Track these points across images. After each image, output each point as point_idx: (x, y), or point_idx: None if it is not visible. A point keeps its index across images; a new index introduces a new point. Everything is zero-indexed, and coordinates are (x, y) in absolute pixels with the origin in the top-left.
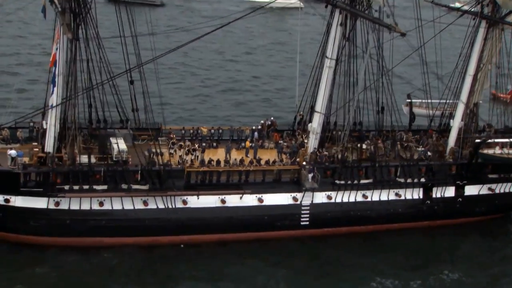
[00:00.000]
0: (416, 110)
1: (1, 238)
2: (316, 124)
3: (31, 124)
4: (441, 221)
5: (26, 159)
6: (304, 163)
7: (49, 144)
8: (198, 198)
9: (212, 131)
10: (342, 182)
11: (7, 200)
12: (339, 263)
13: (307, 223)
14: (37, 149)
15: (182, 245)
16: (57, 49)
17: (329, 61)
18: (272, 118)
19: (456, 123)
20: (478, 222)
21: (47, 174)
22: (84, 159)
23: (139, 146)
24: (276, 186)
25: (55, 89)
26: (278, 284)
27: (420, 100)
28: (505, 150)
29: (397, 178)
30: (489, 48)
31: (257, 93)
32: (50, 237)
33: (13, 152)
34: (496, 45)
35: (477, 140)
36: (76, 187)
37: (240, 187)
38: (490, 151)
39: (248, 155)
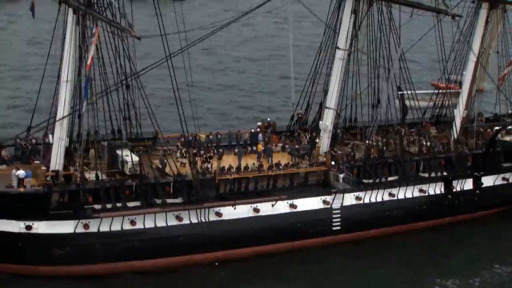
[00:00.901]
0: (408, 102)
1: (14, 272)
2: (328, 121)
3: (18, 141)
4: (462, 216)
5: (32, 180)
6: (332, 163)
7: (57, 161)
8: (234, 209)
9: (211, 137)
10: (370, 181)
11: (28, 227)
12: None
13: (339, 228)
14: (44, 168)
15: (216, 263)
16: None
17: (341, 52)
18: (268, 119)
19: (459, 113)
20: (495, 214)
21: (74, 193)
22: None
23: (143, 157)
24: (304, 190)
25: (62, 99)
26: None
27: (412, 92)
28: None
29: (420, 173)
30: (489, 31)
31: (246, 94)
32: (77, 265)
33: (21, 173)
34: (496, 29)
35: (496, 128)
36: (108, 206)
37: (270, 193)
38: (507, 138)
39: (260, 159)
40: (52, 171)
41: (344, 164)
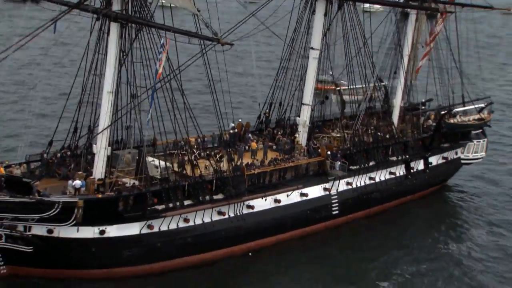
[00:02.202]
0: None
1: (87, 276)
2: (305, 116)
3: (45, 155)
4: (418, 194)
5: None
6: (329, 152)
7: (99, 169)
8: (265, 200)
9: (199, 140)
10: (357, 167)
11: (102, 232)
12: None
13: (338, 212)
14: (92, 177)
15: (250, 253)
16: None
17: (315, 52)
18: (240, 120)
19: (398, 102)
20: (437, 190)
21: (141, 196)
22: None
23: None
24: (308, 179)
25: (104, 109)
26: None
27: (346, 87)
28: (464, 118)
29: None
30: (417, 28)
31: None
32: (143, 265)
33: (77, 183)
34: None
35: (442, 112)
36: (169, 206)
37: (283, 185)
38: (452, 121)
39: (254, 157)
40: (99, 179)
41: (338, 153)
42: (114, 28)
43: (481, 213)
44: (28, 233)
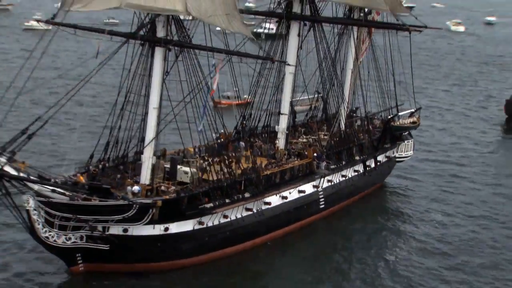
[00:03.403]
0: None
1: (153, 269)
2: (283, 125)
3: (90, 167)
4: (371, 189)
5: None
6: (315, 154)
7: (145, 177)
8: (280, 197)
9: (196, 149)
10: (334, 166)
11: (166, 229)
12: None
13: (323, 205)
14: (143, 184)
15: (268, 243)
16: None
17: (290, 67)
18: (222, 131)
19: (343, 111)
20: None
21: (194, 196)
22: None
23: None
24: (301, 178)
25: (150, 123)
26: None
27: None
28: (403, 121)
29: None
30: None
31: None
32: (197, 256)
33: (136, 188)
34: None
35: (390, 116)
36: (216, 204)
37: (286, 184)
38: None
39: (248, 162)
40: (148, 185)
41: (323, 155)
42: (159, 52)
43: (415, 205)
44: (106, 233)
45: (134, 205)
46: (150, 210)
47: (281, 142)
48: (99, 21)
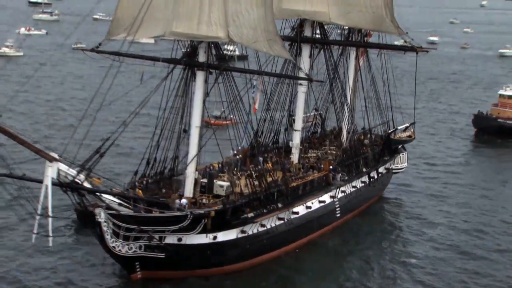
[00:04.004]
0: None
1: (203, 275)
2: (297, 140)
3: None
4: (375, 198)
5: None
6: (330, 167)
7: (190, 190)
8: (306, 207)
9: (220, 165)
10: (347, 178)
11: (214, 238)
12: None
13: (339, 214)
14: (188, 197)
15: (297, 250)
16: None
17: (303, 87)
18: (239, 147)
19: (345, 127)
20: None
21: (237, 207)
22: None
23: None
24: (319, 189)
25: (193, 140)
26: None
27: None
28: (400, 135)
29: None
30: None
31: None
32: (240, 263)
33: (184, 201)
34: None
35: (389, 131)
36: (257, 213)
37: (309, 195)
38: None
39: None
40: (192, 197)
41: (337, 167)
42: (200, 75)
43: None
44: (163, 242)
45: (189, 216)
46: (203, 220)
47: (295, 157)
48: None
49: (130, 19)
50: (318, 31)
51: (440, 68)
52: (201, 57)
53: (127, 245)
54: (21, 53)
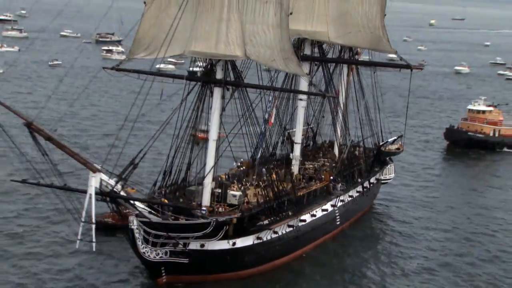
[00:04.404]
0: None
1: (222, 279)
2: (298, 152)
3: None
4: (368, 206)
5: None
6: (331, 177)
7: (207, 200)
8: (311, 216)
9: (227, 176)
10: (345, 187)
11: (233, 244)
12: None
13: (339, 222)
14: (206, 205)
15: (304, 255)
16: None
17: (303, 102)
18: (242, 160)
19: (337, 140)
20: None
21: (254, 215)
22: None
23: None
24: (321, 198)
25: (210, 153)
26: None
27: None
28: (390, 147)
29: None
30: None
31: None
32: (256, 267)
33: (204, 209)
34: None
35: (380, 143)
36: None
37: (312, 203)
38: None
39: None
40: (209, 206)
41: (337, 177)
42: (218, 91)
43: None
44: (187, 248)
45: (212, 223)
46: (225, 227)
47: (296, 168)
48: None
49: (150, 40)
50: (316, 50)
51: (405, 84)
52: (219, 74)
53: (155, 251)
54: (1, 70)
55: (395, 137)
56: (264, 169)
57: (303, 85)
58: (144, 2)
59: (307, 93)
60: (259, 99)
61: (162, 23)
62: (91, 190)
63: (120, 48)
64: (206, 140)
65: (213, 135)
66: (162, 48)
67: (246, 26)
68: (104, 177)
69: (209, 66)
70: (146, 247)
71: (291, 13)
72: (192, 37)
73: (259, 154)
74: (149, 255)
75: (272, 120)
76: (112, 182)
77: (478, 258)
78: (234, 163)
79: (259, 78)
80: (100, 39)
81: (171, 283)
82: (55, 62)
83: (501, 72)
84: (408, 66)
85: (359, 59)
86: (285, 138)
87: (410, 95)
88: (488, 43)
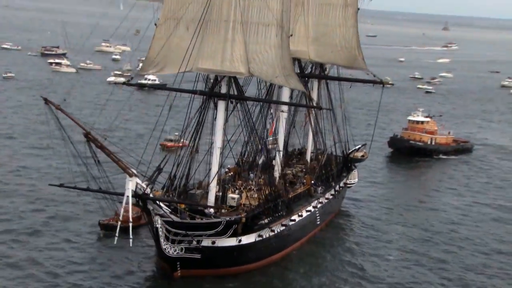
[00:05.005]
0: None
1: (229, 273)
2: (279, 159)
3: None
4: (338, 208)
5: None
6: (312, 182)
7: (213, 202)
8: (298, 215)
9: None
10: (323, 190)
11: (239, 241)
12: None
13: (319, 222)
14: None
15: (294, 252)
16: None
17: (285, 114)
18: (229, 166)
19: (309, 148)
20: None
21: (256, 215)
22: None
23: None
24: (305, 199)
25: (214, 158)
26: None
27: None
28: (357, 154)
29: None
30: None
31: None
32: (257, 262)
33: (211, 211)
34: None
35: (350, 151)
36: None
37: (298, 205)
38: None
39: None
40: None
41: (317, 181)
42: (221, 104)
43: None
44: (200, 245)
45: (222, 222)
46: (234, 226)
47: (277, 174)
48: None
49: (160, 58)
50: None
51: (362, 97)
52: (223, 89)
53: (173, 247)
54: None
55: (360, 145)
56: (252, 175)
57: (285, 97)
58: (155, 24)
59: (305, 106)
60: (258, 110)
61: (171, 44)
62: (128, 193)
63: (67, 62)
64: (175, 148)
65: (217, 143)
66: (171, 65)
67: (249, 46)
68: (139, 180)
69: (213, 82)
70: (166, 244)
71: (291, 35)
72: (199, 56)
73: (261, 160)
74: (168, 251)
75: (272, 130)
76: (143, 185)
77: (434, 242)
78: (223, 169)
79: (259, 92)
80: (46, 52)
81: (184, 277)
82: (9, 74)
83: (420, 86)
84: (381, 82)
85: (340, 76)
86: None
87: (362, 107)
88: (402, 59)
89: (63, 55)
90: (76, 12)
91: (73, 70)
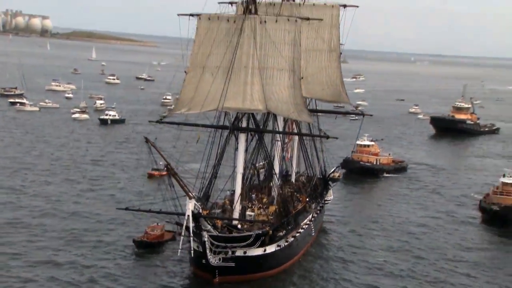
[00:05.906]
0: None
1: (255, 278)
2: (277, 181)
3: None
4: (322, 222)
5: None
6: (307, 199)
7: (237, 210)
8: (301, 228)
9: (228, 201)
10: (314, 206)
11: (264, 250)
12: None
13: (313, 233)
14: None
15: (299, 260)
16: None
17: (279, 143)
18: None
19: (295, 169)
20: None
21: (277, 228)
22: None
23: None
24: (304, 214)
25: (238, 181)
26: None
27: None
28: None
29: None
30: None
31: None
32: (276, 268)
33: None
34: None
35: (330, 171)
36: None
37: (300, 219)
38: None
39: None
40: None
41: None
42: (242, 136)
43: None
44: (234, 255)
45: (253, 234)
46: (262, 238)
47: (275, 194)
48: None
49: (190, 100)
50: None
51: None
52: (244, 124)
53: (214, 257)
54: None
55: (335, 168)
56: (253, 196)
57: (281, 127)
58: (185, 72)
59: (314, 136)
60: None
61: (199, 87)
62: (189, 212)
63: (28, 102)
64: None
65: (239, 169)
66: (200, 105)
67: (266, 87)
68: (195, 202)
69: (236, 118)
70: (210, 255)
71: (302, 78)
72: (223, 97)
73: (278, 182)
74: (211, 261)
75: (289, 156)
76: (199, 205)
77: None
78: (228, 192)
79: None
80: (5, 92)
81: (221, 283)
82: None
83: None
84: (361, 113)
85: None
86: (256, 170)
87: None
88: None
89: (21, 95)
90: (7, 54)
91: (37, 109)
